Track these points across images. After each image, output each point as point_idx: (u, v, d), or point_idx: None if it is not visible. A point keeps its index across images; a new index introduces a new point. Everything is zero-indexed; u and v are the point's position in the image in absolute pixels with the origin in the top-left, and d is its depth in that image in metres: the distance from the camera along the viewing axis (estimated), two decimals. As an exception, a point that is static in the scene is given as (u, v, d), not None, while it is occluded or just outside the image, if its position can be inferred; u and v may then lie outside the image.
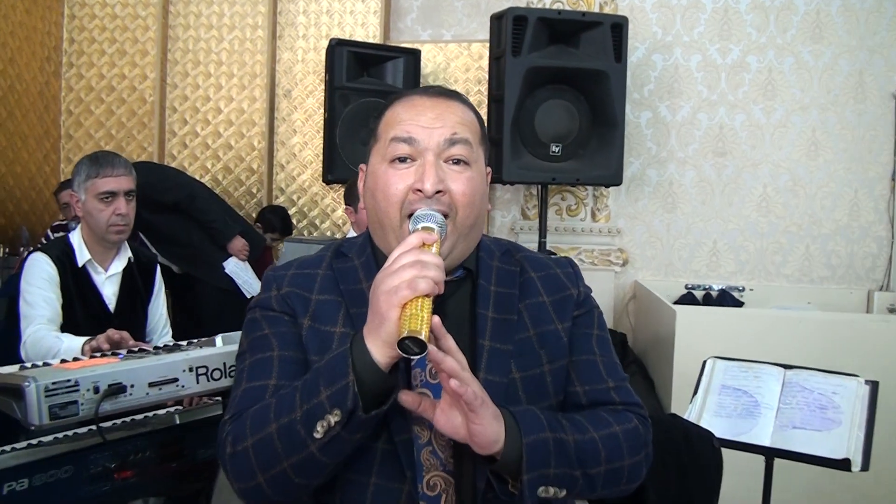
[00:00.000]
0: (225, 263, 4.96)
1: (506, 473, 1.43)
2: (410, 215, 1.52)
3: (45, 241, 4.59)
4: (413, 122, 1.57)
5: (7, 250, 4.80)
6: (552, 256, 1.77)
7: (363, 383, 1.34)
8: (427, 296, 1.34)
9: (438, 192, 1.53)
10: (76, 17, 5.95)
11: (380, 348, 1.35)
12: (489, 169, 1.70)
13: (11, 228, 5.25)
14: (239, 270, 4.96)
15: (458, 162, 1.57)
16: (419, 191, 1.52)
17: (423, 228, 1.47)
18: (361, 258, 1.64)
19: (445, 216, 1.53)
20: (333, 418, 1.34)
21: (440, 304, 1.56)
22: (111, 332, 2.70)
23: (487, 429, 1.39)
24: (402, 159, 1.56)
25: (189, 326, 5.39)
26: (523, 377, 1.57)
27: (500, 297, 1.63)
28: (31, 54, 5.59)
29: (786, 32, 5.29)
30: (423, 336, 1.30)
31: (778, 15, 5.29)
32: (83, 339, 2.78)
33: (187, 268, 5.10)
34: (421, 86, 5.44)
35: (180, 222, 4.98)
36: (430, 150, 1.55)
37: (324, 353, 1.48)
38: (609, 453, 1.51)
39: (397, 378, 1.41)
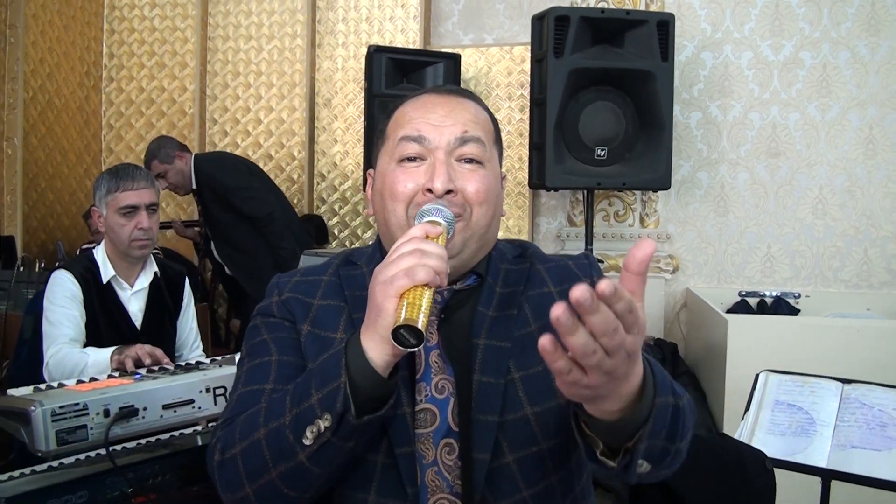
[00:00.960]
0: None
1: (604, 436, 1.20)
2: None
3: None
4: (423, 120, 1.48)
5: (43, 265, 4.78)
6: (570, 255, 1.64)
7: (357, 385, 1.25)
8: (427, 286, 1.23)
9: (449, 192, 1.43)
10: (115, 31, 5.95)
11: (376, 345, 1.25)
12: (504, 173, 1.60)
13: (52, 244, 5.26)
14: None
15: (470, 161, 1.48)
16: (429, 191, 1.43)
17: (429, 222, 1.36)
18: (370, 265, 1.53)
19: (458, 217, 1.43)
20: (324, 423, 1.25)
21: (450, 314, 1.48)
22: (140, 351, 2.62)
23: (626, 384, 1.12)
24: (412, 158, 1.47)
25: (239, 334, 5.37)
26: (524, 376, 1.44)
27: (504, 296, 1.52)
28: (70, 69, 5.60)
29: (840, 26, 5.09)
30: (421, 325, 1.19)
31: (832, 8, 5.09)
32: (109, 350, 2.72)
33: (239, 276, 5.07)
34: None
35: (252, 232, 4.95)
36: (440, 148, 1.46)
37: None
38: (686, 428, 1.27)
39: (396, 383, 1.30)
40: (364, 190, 5.15)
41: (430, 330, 1.42)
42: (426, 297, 1.23)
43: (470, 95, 1.59)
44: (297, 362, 1.48)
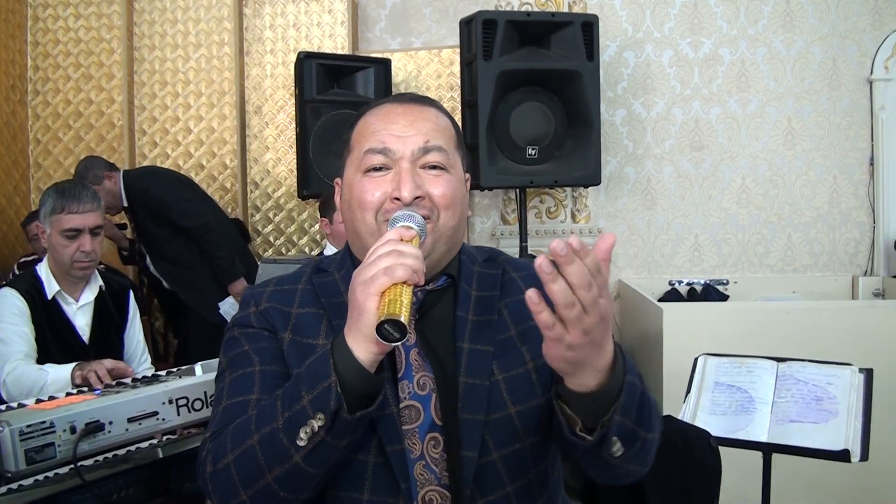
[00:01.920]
0: (221, 303, 4.89)
1: (583, 412, 1.31)
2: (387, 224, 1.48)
3: (12, 277, 4.50)
4: (386, 132, 1.54)
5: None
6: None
7: (346, 383, 1.29)
8: (406, 283, 1.30)
9: (417, 197, 1.49)
10: (39, 43, 5.84)
11: (361, 344, 1.30)
12: (468, 175, 1.66)
13: (-17, 262, 5.16)
14: (234, 312, 4.86)
15: (434, 167, 1.54)
16: (397, 199, 1.49)
17: (403, 227, 1.42)
18: (341, 271, 1.60)
19: (427, 219, 1.49)
20: (317, 423, 1.29)
21: (425, 313, 1.55)
22: (101, 368, 2.63)
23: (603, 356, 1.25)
24: (377, 168, 1.52)
25: (178, 349, 5.34)
26: (507, 377, 1.52)
27: (481, 300, 1.59)
28: (-6, 84, 5.50)
29: (757, 23, 5.28)
30: (404, 319, 1.25)
31: (748, 6, 5.27)
32: (69, 366, 2.71)
33: (178, 290, 5.04)
34: (393, 95, 5.38)
35: (186, 244, 4.92)
36: (404, 158, 1.52)
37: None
38: (653, 420, 1.39)
39: (383, 378, 1.35)
40: (299, 196, 5.20)
41: (409, 329, 1.47)
42: (406, 294, 1.29)
43: (431, 103, 1.64)
44: (281, 371, 1.50)
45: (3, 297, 3.00)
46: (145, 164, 5.78)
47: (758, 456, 2.67)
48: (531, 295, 1.16)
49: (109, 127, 5.82)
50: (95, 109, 5.83)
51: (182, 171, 5.72)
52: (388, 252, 1.32)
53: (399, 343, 1.28)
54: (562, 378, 1.30)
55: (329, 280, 1.60)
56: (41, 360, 2.95)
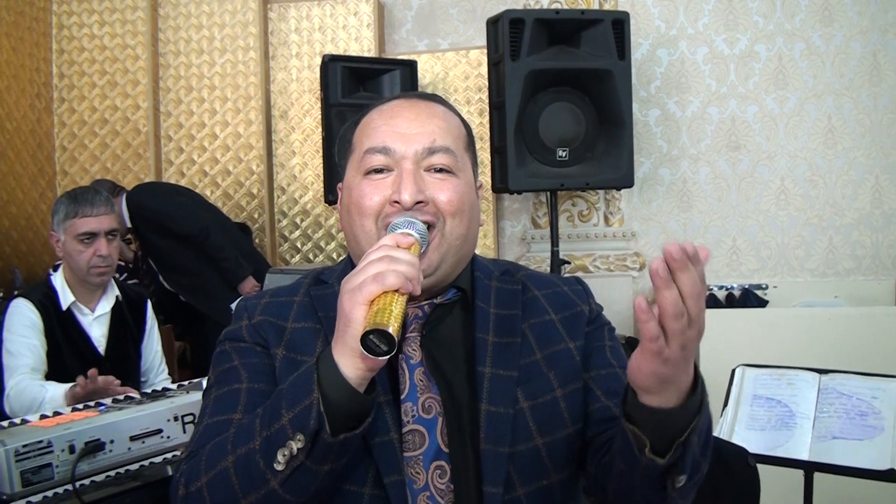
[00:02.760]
0: (232, 305, 4.82)
1: (656, 433, 1.17)
2: (387, 230, 1.37)
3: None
4: (388, 129, 1.42)
5: (1, 294, 4.68)
6: (559, 276, 1.60)
7: (331, 402, 1.17)
8: (398, 292, 1.17)
9: (419, 202, 1.37)
10: (64, 51, 5.82)
11: (348, 358, 1.18)
12: (481, 182, 1.53)
13: (8, 271, 5.13)
14: None
15: (440, 170, 1.41)
16: (397, 202, 1.37)
17: (401, 234, 1.31)
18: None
19: (430, 227, 1.37)
20: (296, 445, 1.17)
21: (432, 328, 1.42)
22: (88, 380, 2.57)
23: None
24: (378, 170, 1.41)
25: (197, 359, 5.30)
26: (532, 406, 1.40)
27: (501, 319, 1.45)
28: (20, 92, 5.47)
29: (794, 17, 5.11)
30: (392, 330, 1.13)
31: (784, 0, 5.11)
32: (66, 386, 2.66)
33: (192, 299, 4.99)
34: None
35: (190, 252, 4.88)
36: (407, 158, 1.40)
37: None
38: (709, 453, 1.27)
39: (373, 399, 1.22)
40: (325, 201, 5.13)
41: (413, 347, 1.37)
42: (398, 303, 1.17)
43: (440, 100, 1.53)
44: (269, 390, 1.37)
45: (16, 307, 2.96)
46: (172, 169, 5.77)
47: (799, 474, 2.54)
48: (640, 303, 1.07)
49: (135, 133, 5.78)
50: (121, 116, 5.80)
51: (208, 177, 5.71)
52: (379, 258, 1.21)
53: (386, 357, 1.16)
54: (633, 395, 1.17)
55: (329, 292, 1.48)
56: (56, 372, 2.91)
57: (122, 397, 2.34)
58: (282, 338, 1.44)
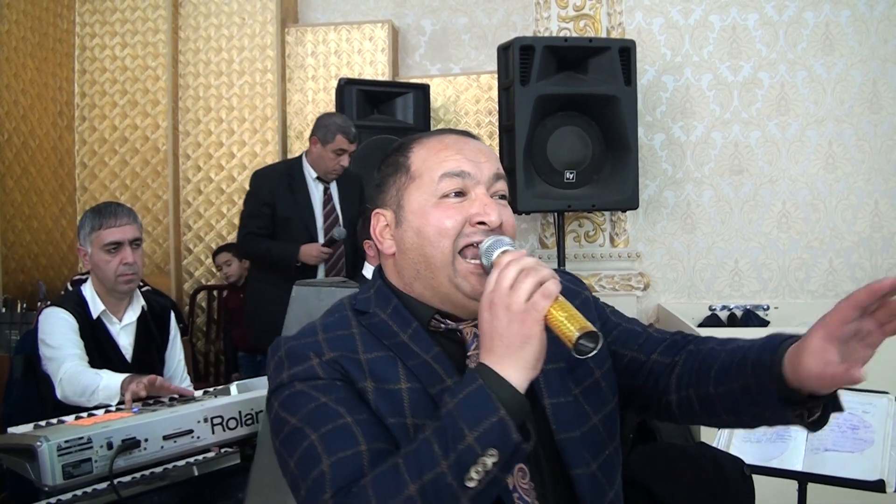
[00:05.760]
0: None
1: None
2: (461, 251, 1.48)
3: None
4: (460, 157, 1.52)
5: (25, 306, 4.80)
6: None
7: (514, 415, 1.26)
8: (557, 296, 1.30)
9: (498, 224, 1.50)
10: (87, 71, 5.99)
11: (521, 372, 1.29)
12: None
13: (30, 284, 5.26)
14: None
15: (502, 196, 1.55)
16: (480, 223, 1.48)
17: (504, 253, 1.41)
18: (387, 310, 1.55)
19: None
20: (490, 460, 1.23)
21: None
22: (151, 379, 2.65)
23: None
24: (458, 193, 1.50)
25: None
26: (582, 390, 1.56)
27: None
28: (43, 110, 5.63)
29: (796, 46, 5.25)
30: (597, 328, 1.28)
31: (787, 30, 5.24)
32: (122, 376, 2.74)
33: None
34: (432, 119, 5.43)
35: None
36: (481, 183, 1.51)
37: (397, 413, 1.41)
38: None
39: (529, 406, 1.33)
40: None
41: (476, 358, 1.43)
42: (568, 304, 1.29)
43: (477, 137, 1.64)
44: (373, 418, 1.41)
45: (52, 312, 3.06)
46: (190, 187, 5.91)
47: (793, 485, 2.64)
48: (885, 285, 1.28)
49: (154, 152, 5.94)
50: (140, 135, 5.96)
51: (225, 195, 5.86)
52: (524, 272, 1.32)
53: (592, 354, 1.29)
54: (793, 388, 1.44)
55: (378, 321, 1.54)
56: None
57: (151, 401, 2.46)
58: (362, 370, 1.46)
